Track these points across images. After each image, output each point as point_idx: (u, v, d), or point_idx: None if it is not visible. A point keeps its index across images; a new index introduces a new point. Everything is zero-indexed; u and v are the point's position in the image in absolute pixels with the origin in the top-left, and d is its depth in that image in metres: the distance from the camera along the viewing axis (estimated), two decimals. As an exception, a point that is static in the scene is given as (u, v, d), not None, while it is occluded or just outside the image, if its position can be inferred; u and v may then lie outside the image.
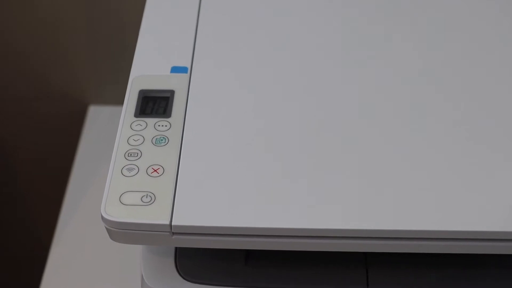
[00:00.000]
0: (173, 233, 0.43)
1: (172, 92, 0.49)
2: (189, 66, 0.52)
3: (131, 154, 0.45)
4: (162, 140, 0.46)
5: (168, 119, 0.47)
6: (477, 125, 0.48)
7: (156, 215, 0.42)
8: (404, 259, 0.51)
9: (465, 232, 0.43)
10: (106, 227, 0.44)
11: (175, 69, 0.52)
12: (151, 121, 0.47)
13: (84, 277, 0.69)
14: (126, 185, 0.44)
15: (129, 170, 0.44)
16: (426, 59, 0.53)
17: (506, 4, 0.57)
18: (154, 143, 0.46)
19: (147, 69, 0.52)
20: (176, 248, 0.51)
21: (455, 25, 0.56)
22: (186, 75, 0.51)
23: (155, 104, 0.49)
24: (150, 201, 0.43)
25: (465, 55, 0.53)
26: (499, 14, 0.57)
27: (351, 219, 0.43)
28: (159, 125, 0.47)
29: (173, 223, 0.42)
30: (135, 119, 0.48)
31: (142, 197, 0.43)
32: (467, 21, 0.56)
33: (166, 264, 0.51)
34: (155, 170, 0.45)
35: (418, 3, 0.58)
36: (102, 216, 0.43)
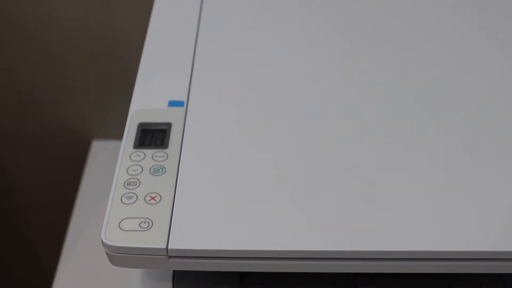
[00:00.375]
0: (170, 257, 0.44)
1: (169, 125, 0.50)
2: (185, 100, 0.53)
3: (130, 183, 0.47)
4: (159, 169, 0.47)
5: (165, 150, 0.49)
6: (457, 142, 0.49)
7: (154, 240, 0.43)
8: (392, 280, 0.52)
9: (452, 252, 0.44)
10: (106, 252, 0.45)
11: (172, 103, 0.53)
12: (149, 152, 0.49)
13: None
14: (125, 212, 0.45)
15: (128, 198, 0.46)
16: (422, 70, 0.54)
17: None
18: (152, 173, 0.47)
19: (146, 104, 0.53)
20: (173, 273, 0.51)
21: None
22: (183, 109, 0.52)
23: (153, 136, 0.50)
24: (148, 226, 0.44)
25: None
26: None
27: (339, 241, 0.44)
28: (157, 156, 0.48)
29: (169, 247, 0.43)
30: (134, 150, 0.49)
31: (140, 223, 0.44)
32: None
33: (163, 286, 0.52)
34: (153, 198, 0.46)
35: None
36: (102, 241, 0.44)
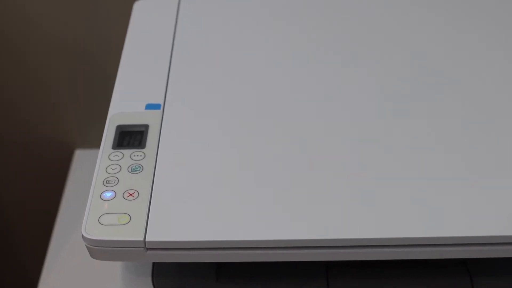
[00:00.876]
0: (147, 249, 0.45)
1: (146, 126, 0.52)
2: (162, 103, 0.54)
3: (109, 181, 0.48)
4: (137, 168, 0.49)
5: (143, 150, 0.50)
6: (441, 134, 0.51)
7: (132, 233, 0.45)
8: (363, 273, 0.53)
9: (425, 239, 0.46)
10: (86, 246, 0.46)
11: (149, 106, 0.54)
12: (127, 152, 0.50)
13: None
14: (104, 208, 0.47)
15: (107, 194, 0.48)
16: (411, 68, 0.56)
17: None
18: (130, 171, 0.49)
19: (123, 107, 0.55)
20: (152, 267, 0.53)
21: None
22: (159, 111, 0.54)
23: (131, 137, 0.52)
24: (126, 221, 0.46)
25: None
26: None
27: (313, 230, 0.46)
28: (134, 155, 0.50)
29: (146, 239, 0.45)
30: (113, 150, 0.51)
31: (119, 218, 0.46)
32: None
33: (144, 282, 0.53)
34: (131, 194, 0.47)
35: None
36: (83, 236, 0.46)
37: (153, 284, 0.52)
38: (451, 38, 0.60)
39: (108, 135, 0.52)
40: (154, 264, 0.54)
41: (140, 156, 0.50)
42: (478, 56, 0.58)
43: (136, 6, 0.67)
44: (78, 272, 0.73)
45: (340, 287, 0.53)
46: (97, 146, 0.87)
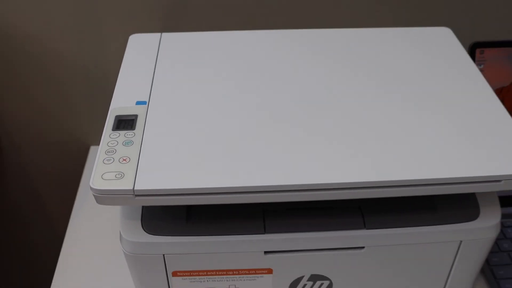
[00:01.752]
0: (136, 195, 0.54)
1: (136, 116, 0.61)
2: (147, 101, 0.64)
3: (109, 152, 0.57)
4: (129, 142, 0.58)
5: (134, 131, 0.59)
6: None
7: (125, 184, 0.54)
8: (291, 212, 0.61)
9: (326, 184, 0.54)
10: (93, 194, 0.54)
11: (138, 102, 0.63)
12: (122, 132, 0.59)
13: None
14: (105, 169, 0.55)
15: (108, 160, 0.56)
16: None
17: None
18: (124, 145, 0.58)
19: (121, 103, 0.63)
20: (142, 213, 0.61)
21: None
22: (145, 106, 0.63)
23: (125, 123, 0.60)
24: (121, 177, 0.55)
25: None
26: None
27: (253, 177, 0.54)
28: (127, 135, 0.59)
29: (135, 188, 0.53)
30: (112, 131, 0.60)
31: (116, 175, 0.55)
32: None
33: (135, 224, 0.61)
34: (124, 160, 0.56)
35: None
36: (91, 187, 0.54)
37: (142, 225, 0.60)
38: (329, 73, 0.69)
39: (109, 121, 0.61)
40: (142, 209, 0.61)
41: (131, 135, 0.59)
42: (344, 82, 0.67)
43: (131, 38, 0.76)
44: (92, 267, 0.79)
45: (273, 224, 0.61)
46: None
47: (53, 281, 0.77)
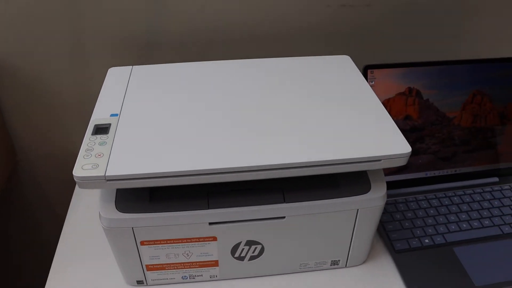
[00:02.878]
0: (107, 180, 0.62)
1: (109, 124, 0.71)
2: (118, 113, 0.74)
3: (88, 150, 0.67)
4: (103, 143, 0.67)
5: (107, 135, 0.69)
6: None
7: (99, 172, 0.63)
8: (235, 192, 0.69)
9: (252, 167, 0.62)
10: (76, 181, 0.63)
11: (112, 115, 0.73)
12: (99, 136, 0.69)
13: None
14: (85, 161, 0.64)
15: (87, 155, 0.65)
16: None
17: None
18: (99, 144, 0.67)
19: (98, 115, 0.73)
20: (115, 197, 0.70)
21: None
22: (117, 117, 0.73)
23: (101, 129, 0.70)
24: (96, 167, 0.63)
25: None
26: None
27: (213, 161, 0.62)
28: (102, 137, 0.68)
29: (106, 174, 0.62)
30: (91, 135, 0.69)
31: (92, 166, 0.64)
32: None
33: (110, 205, 0.70)
34: (99, 155, 0.65)
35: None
36: (73, 175, 0.62)
37: (115, 206, 0.69)
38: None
39: (89, 128, 0.70)
40: (116, 193, 0.70)
41: (106, 138, 0.68)
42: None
43: (109, 70, 0.86)
44: (89, 256, 0.86)
45: (215, 202, 0.69)
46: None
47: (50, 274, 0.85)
